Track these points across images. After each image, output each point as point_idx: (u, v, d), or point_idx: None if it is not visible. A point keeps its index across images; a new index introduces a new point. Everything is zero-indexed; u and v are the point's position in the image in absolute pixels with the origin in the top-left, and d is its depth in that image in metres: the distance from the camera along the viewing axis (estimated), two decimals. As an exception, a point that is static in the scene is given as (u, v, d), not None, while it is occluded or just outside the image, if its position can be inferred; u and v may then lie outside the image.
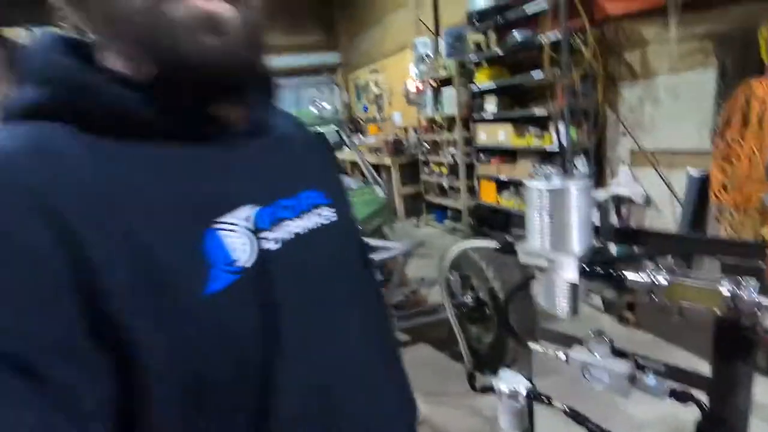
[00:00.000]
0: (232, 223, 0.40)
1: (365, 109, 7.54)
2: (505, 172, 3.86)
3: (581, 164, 3.34)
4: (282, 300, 0.42)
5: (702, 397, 0.95)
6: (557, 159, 3.43)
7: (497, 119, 3.85)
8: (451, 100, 4.34)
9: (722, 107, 2.38)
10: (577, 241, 0.96)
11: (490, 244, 1.37)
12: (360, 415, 0.49)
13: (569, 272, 0.92)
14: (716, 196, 2.37)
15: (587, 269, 0.92)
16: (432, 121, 4.94)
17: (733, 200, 2.27)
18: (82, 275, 0.32)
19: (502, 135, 3.78)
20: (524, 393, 1.26)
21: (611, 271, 0.89)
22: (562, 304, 1.00)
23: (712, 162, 2.40)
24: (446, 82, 4.45)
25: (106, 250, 0.33)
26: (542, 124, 3.59)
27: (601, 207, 0.98)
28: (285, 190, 0.48)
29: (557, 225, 0.96)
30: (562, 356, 1.13)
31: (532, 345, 1.20)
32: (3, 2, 3.43)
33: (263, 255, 0.41)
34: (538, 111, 3.41)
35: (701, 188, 2.56)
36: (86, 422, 0.31)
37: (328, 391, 0.46)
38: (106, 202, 0.34)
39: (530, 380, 1.33)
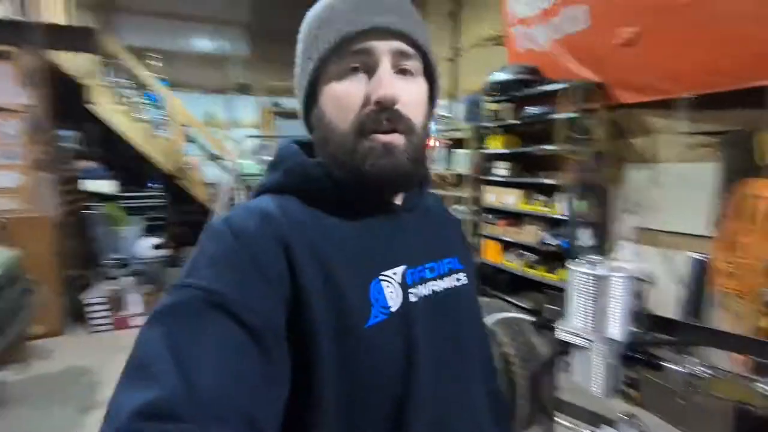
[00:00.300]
0: (390, 277, 0.56)
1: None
2: (510, 235, 3.97)
3: (586, 236, 3.47)
4: (418, 340, 0.55)
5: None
6: (563, 228, 3.57)
7: (506, 183, 4.02)
8: (463, 160, 4.53)
9: (722, 199, 2.54)
10: (617, 326, 1.03)
11: (526, 317, 1.44)
12: None
13: (609, 355, 0.99)
14: (719, 283, 2.48)
15: (628, 353, 0.99)
16: (441, 178, 5.11)
17: (736, 288, 2.38)
18: (295, 291, 0.49)
19: (511, 199, 3.93)
20: (545, 466, 1.29)
21: (652, 358, 0.96)
22: (599, 384, 1.05)
23: (714, 249, 2.53)
24: (459, 142, 4.66)
25: (310, 278, 0.50)
26: (549, 192, 3.75)
27: (637, 294, 1.07)
28: (431, 256, 0.63)
29: (599, 309, 1.04)
30: (590, 434, 1.17)
31: (562, 420, 1.23)
32: (55, 30, 3.62)
33: (406, 304, 0.56)
34: (547, 179, 3.59)
35: (701, 271, 2.67)
36: (278, 386, 0.46)
37: (445, 423, 0.57)
38: (316, 249, 0.52)
39: (552, 454, 1.35)
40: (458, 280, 0.65)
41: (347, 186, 0.56)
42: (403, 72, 0.56)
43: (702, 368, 0.86)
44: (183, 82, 6.40)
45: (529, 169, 3.98)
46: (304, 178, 0.58)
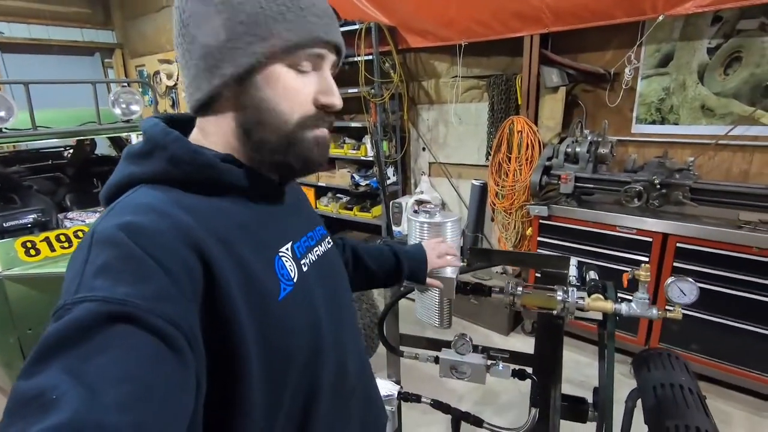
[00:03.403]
0: (285, 253, 0.61)
1: (152, 101, 6.57)
2: (324, 180, 4.02)
3: (392, 174, 3.78)
4: (317, 302, 0.62)
5: (529, 369, 1.27)
6: (372, 169, 3.79)
7: (314, 128, 3.97)
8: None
9: (493, 133, 3.09)
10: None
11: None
12: (360, 384, 0.72)
13: (448, 291, 1.09)
14: (492, 202, 3.07)
15: (463, 286, 1.12)
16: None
17: (503, 206, 2.98)
18: (208, 282, 0.48)
19: (320, 144, 3.92)
20: (395, 395, 1.41)
21: (482, 286, 1.11)
22: (439, 318, 1.17)
23: (489, 175, 3.09)
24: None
25: (223, 266, 0.50)
26: (357, 135, 3.89)
27: (464, 233, 1.20)
28: (308, 227, 0.70)
29: (435, 252, 1.12)
30: (431, 359, 1.32)
31: (407, 354, 1.35)
32: None
33: (301, 273, 0.61)
34: (354, 123, 3.69)
35: (481, 195, 3.25)
36: (193, 388, 0.44)
37: (345, 367, 0.67)
38: (221, 236, 0.52)
39: (399, 383, 1.49)
40: (329, 243, 0.74)
41: (248, 170, 0.58)
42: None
43: (520, 288, 1.03)
44: None
45: (335, 113, 3.99)
46: (196, 167, 0.55)
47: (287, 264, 0.59)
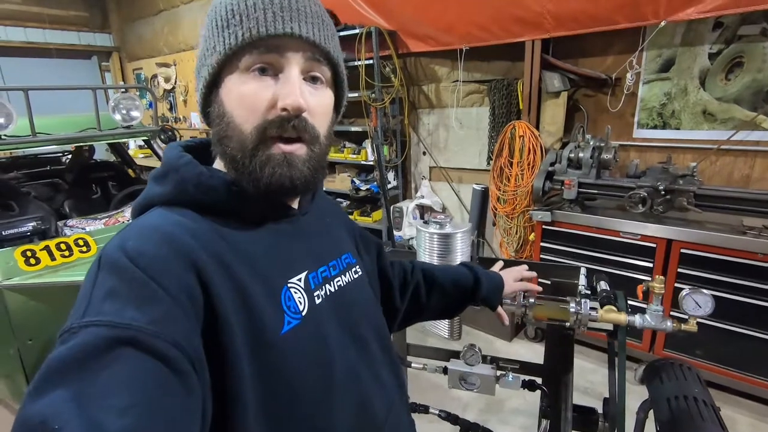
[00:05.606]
0: (296, 284, 0.57)
1: (150, 105, 6.53)
2: (324, 184, 4.01)
3: (392, 178, 3.77)
4: (329, 338, 0.58)
5: (539, 380, 1.25)
6: (372, 173, 3.78)
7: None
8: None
9: (494, 138, 3.08)
10: (461, 275, 1.12)
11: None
12: (390, 425, 0.65)
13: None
14: (494, 206, 3.06)
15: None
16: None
17: (505, 210, 2.98)
18: (209, 310, 0.47)
19: (320, 148, 3.91)
20: (403, 406, 1.39)
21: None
22: (447, 329, 1.16)
23: (490, 179, 3.09)
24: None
25: (224, 295, 0.48)
26: (357, 139, 3.88)
27: (473, 242, 1.18)
28: (331, 255, 0.66)
29: (445, 263, 1.11)
30: (439, 369, 1.31)
31: (414, 365, 1.34)
32: None
33: (312, 307, 0.58)
34: (354, 127, 3.68)
35: (483, 199, 3.24)
36: (198, 415, 0.43)
37: (369, 406, 0.62)
38: (224, 264, 0.50)
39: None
40: (356, 273, 0.69)
41: (246, 195, 0.54)
42: (313, 79, 0.56)
43: (531, 299, 1.01)
44: None
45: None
46: (202, 190, 0.54)
47: (296, 296, 0.56)
